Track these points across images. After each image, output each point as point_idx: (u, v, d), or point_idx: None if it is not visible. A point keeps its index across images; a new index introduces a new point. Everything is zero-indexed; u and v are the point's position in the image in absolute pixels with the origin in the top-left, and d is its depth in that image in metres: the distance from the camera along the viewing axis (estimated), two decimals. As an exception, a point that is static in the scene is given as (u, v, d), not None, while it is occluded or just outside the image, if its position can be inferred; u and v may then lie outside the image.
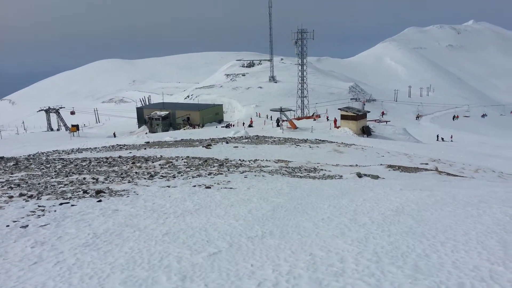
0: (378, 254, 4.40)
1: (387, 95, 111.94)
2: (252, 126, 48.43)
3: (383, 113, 69.24)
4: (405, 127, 45.46)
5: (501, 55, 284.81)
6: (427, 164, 17.18)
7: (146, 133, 50.41)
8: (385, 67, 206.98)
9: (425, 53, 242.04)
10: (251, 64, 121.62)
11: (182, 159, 14.06)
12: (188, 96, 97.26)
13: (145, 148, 18.96)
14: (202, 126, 58.16)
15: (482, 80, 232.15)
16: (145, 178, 9.85)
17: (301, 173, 12.20)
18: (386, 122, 54.60)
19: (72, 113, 74.01)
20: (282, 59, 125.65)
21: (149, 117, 63.80)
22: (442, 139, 47.95)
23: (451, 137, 49.54)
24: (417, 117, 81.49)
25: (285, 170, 12.49)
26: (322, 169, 13.19)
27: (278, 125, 42.53)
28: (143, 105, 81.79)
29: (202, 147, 19.18)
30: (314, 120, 48.38)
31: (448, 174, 14.08)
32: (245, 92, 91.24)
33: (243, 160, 14.78)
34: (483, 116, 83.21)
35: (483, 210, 6.41)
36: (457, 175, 14.15)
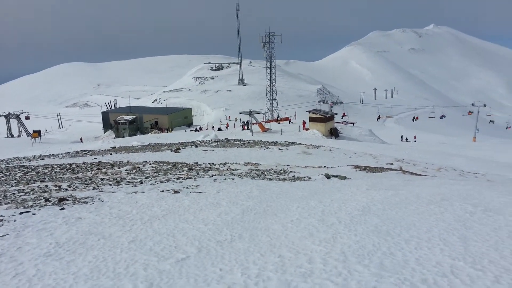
0: (345, 253, 4.47)
1: (354, 97, 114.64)
2: (227, 129, 48.39)
3: (344, 115, 70.74)
4: (371, 129, 46.71)
5: (460, 57, 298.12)
6: (392, 164, 17.69)
7: (114, 138, 49.18)
8: (351, 70, 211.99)
9: (389, 56, 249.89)
10: (220, 67, 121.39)
11: (150, 164, 13.80)
12: (156, 100, 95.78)
13: (111, 154, 18.47)
14: (171, 130, 57.38)
15: (443, 82, 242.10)
16: (110, 184, 9.58)
17: (271, 175, 12.25)
18: (353, 123, 55.86)
19: (27, 118, 70.87)
20: (251, 62, 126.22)
21: (115, 121, 62.31)
22: (406, 139, 49.56)
23: (415, 137, 51.29)
24: (378, 119, 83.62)
25: (255, 173, 12.51)
26: (291, 171, 13.31)
27: (245, 127, 42.69)
28: (109, 109, 79.83)
29: (171, 151, 18.91)
30: (279, 123, 48.83)
31: (412, 173, 14.55)
32: (214, 95, 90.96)
33: (213, 163, 14.68)
34: (442, 117, 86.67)
35: (445, 208, 6.66)
36: (420, 174, 14.64)
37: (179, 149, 19.69)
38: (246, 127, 50.06)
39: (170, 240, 5.24)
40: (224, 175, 11.58)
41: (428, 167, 17.89)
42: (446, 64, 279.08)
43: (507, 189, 9.81)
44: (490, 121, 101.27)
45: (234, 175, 11.73)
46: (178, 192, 8.55)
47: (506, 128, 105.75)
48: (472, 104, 73.62)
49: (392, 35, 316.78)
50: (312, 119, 40.71)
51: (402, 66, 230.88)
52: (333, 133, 39.71)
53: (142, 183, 9.83)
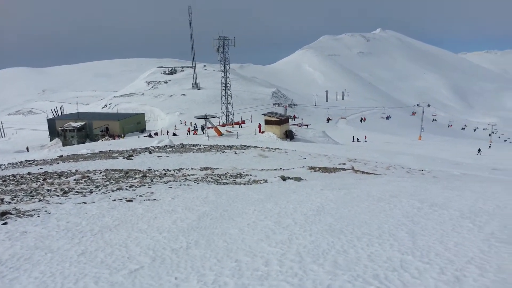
0: (301, 254, 4.53)
1: (307, 99, 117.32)
2: (189, 134, 47.65)
3: (294, 117, 72.19)
4: (324, 130, 47.97)
5: (405, 60, 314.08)
6: (344, 164, 18.25)
7: (61, 146, 46.81)
8: (304, 73, 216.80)
9: (339, 60, 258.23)
10: (173, 71, 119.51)
11: (101, 172, 13.27)
12: (106, 105, 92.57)
13: (58, 163, 17.56)
14: (123, 137, 55.58)
15: (390, 83, 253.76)
16: (58, 195, 9.10)
17: (227, 179, 12.20)
18: (307, 125, 57.08)
19: None
20: (205, 65, 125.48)
21: (62, 129, 59.33)
22: (357, 139, 51.36)
23: (365, 137, 53.29)
24: (328, 120, 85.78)
25: (211, 178, 12.40)
26: (247, 175, 13.33)
27: (195, 132, 42.38)
28: (55, 116, 75.84)
29: (123, 158, 18.31)
30: (233, 127, 48.97)
31: (363, 172, 15.08)
32: (168, 99, 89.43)
33: (168, 169, 14.38)
34: (388, 117, 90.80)
35: (394, 204, 6.95)
36: (371, 173, 15.22)
37: (131, 156, 19.11)
38: (196, 132, 49.66)
39: (123, 251, 5.05)
40: (180, 181, 11.38)
41: (378, 166, 18.63)
42: (393, 66, 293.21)
43: (450, 184, 10.43)
44: (433, 120, 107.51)
45: (190, 180, 11.56)
46: (131, 201, 8.28)
47: (448, 126, 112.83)
48: (417, 105, 78.06)
49: (342, 39, 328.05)
50: (267, 122, 41.11)
51: (352, 69, 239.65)
52: (289, 136, 40.33)
53: (92, 192, 9.43)
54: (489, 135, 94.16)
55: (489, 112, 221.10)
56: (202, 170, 14.14)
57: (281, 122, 40.47)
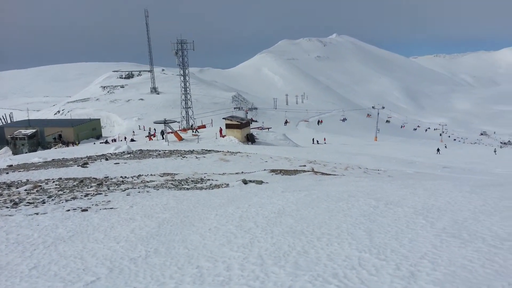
0: (262, 256, 4.54)
1: (268, 103, 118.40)
2: (153, 139, 46.32)
3: (252, 120, 72.62)
4: (285, 133, 48.55)
5: (360, 64, 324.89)
6: (305, 166, 18.56)
7: (10, 155, 44.24)
8: (263, 77, 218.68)
9: (298, 64, 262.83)
10: (130, 75, 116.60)
11: (54, 182, 12.67)
12: (59, 111, 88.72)
13: (7, 173, 16.57)
14: (77, 144, 53.44)
15: (346, 87, 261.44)
16: (7, 207, 8.58)
17: (188, 185, 12.04)
18: (268, 129, 57.55)
19: None
20: (163, 69, 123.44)
21: (11, 136, 56.11)
22: (317, 141, 52.42)
23: (324, 139, 54.49)
24: (286, 123, 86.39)
25: (171, 184, 12.19)
26: (209, 179, 13.22)
27: (151, 138, 41.58)
28: (4, 123, 71.62)
29: (78, 166, 17.58)
30: (195, 131, 48.45)
31: (323, 173, 15.40)
32: (125, 104, 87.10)
33: (125, 176, 13.97)
34: (343, 120, 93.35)
35: (352, 204, 7.14)
36: (330, 174, 15.57)
37: (87, 163, 18.41)
38: (151, 138, 48.60)
39: (78, 263, 4.84)
40: (138, 188, 11.09)
41: (337, 167, 19.10)
42: (348, 70, 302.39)
43: (404, 183, 10.87)
44: (387, 121, 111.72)
45: (149, 187, 11.30)
46: (87, 210, 7.96)
47: (401, 127, 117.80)
48: (373, 107, 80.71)
49: (300, 43, 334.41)
50: (228, 126, 41.03)
51: (310, 73, 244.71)
52: (250, 139, 40.47)
53: (44, 203, 8.97)
54: (440, 135, 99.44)
55: (440, 113, 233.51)
56: (162, 176, 13.86)
57: (242, 125, 40.54)
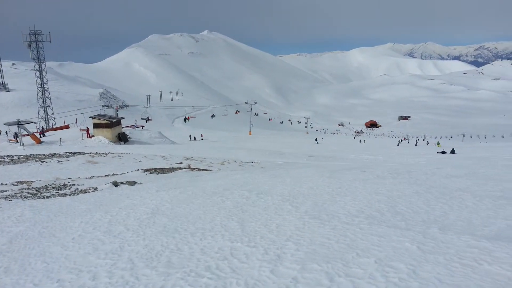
0: (133, 260, 4.32)
1: (140, 100, 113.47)
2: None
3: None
4: (161, 131, 47.25)
5: (231, 60, 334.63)
6: (181, 163, 18.36)
7: None
8: (134, 73, 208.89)
9: (170, 59, 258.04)
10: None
11: None
12: None
13: None
14: None
15: (220, 83, 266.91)
16: None
17: (48, 192, 10.79)
18: (142, 127, 55.22)
19: None
20: (14, 64, 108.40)
21: None
22: (195, 138, 52.33)
23: (202, 135, 54.72)
24: (147, 120, 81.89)
25: (28, 192, 10.76)
26: (74, 184, 12.07)
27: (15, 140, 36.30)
28: None
29: None
30: (40, 135, 42.23)
31: (200, 169, 15.45)
32: (-35, 104, 73.73)
33: (-33, 188, 11.83)
34: (212, 117, 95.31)
35: (226, 197, 7.31)
36: (207, 169, 15.70)
37: None
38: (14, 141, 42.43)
39: None
40: (-15, 200, 9.50)
41: (213, 162, 19.36)
42: (221, 66, 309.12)
43: (275, 173, 11.60)
44: (255, 114, 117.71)
45: (0, 198, 9.79)
46: None
47: (269, 120, 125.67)
48: (246, 102, 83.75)
49: (172, 39, 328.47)
50: (96, 125, 38.00)
51: (184, 69, 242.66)
52: (122, 138, 38.22)
53: None
54: (305, 127, 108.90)
55: (305, 107, 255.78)
56: (15, 185, 12.15)
57: (112, 124, 38.00)
